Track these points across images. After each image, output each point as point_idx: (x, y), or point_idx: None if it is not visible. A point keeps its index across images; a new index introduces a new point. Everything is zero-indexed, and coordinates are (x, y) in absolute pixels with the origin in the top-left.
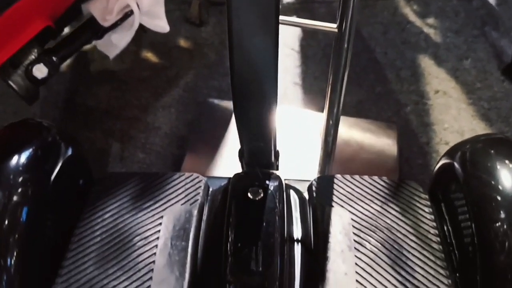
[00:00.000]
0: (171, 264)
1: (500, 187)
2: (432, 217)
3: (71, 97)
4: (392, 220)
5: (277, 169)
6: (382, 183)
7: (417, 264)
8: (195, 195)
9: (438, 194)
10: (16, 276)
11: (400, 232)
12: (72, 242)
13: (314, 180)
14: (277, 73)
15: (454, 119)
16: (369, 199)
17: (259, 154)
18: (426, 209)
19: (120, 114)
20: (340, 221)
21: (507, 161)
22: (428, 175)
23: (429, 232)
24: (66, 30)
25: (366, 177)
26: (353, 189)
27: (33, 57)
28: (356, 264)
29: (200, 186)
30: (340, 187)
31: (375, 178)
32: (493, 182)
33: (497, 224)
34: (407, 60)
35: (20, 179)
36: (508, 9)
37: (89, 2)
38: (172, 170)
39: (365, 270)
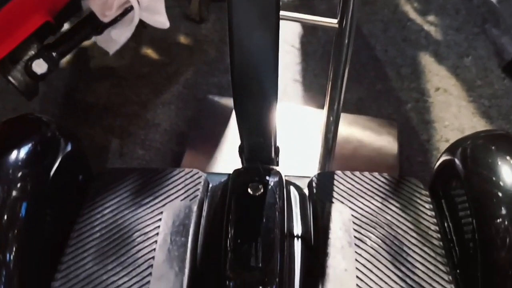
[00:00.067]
0: (170, 260)
1: (501, 183)
2: (433, 213)
3: (71, 93)
4: (393, 217)
5: (277, 165)
6: (382, 179)
7: (417, 260)
8: (195, 191)
9: (438, 190)
10: (16, 271)
11: (401, 229)
12: (71, 237)
13: (315, 176)
14: (278, 68)
15: (454, 116)
16: (369, 196)
17: (259, 149)
18: (427, 206)
19: (120, 110)
20: (340, 217)
21: (508, 157)
22: (429, 173)
23: (430, 229)
24: (66, 26)
25: (366, 173)
26: (353, 186)
27: (32, 52)
28: (356, 260)
29: (200, 182)
30: (341, 183)
31: (376, 174)
32: (494, 178)
33: (498, 220)
34: (408, 58)
35: (19, 174)
36: (509, 7)
37: None
38: (171, 167)
39: (365, 266)
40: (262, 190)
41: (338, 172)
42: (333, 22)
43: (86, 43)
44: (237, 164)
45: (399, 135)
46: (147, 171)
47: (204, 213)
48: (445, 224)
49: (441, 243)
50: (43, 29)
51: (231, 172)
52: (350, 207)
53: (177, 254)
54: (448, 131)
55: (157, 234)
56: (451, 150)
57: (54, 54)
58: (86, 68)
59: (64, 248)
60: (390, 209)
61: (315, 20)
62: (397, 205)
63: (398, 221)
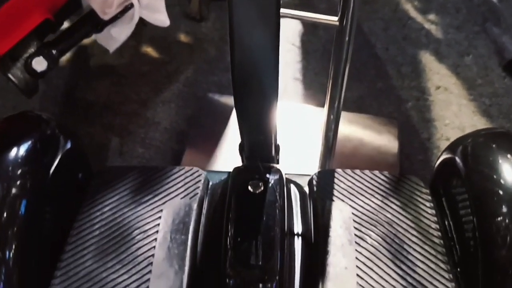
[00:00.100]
0: (170, 258)
1: (501, 181)
2: (433, 211)
3: (71, 91)
4: (393, 215)
5: (278, 163)
6: (383, 177)
7: (418, 259)
8: (195, 189)
9: (439, 188)
10: (15, 269)
11: (401, 227)
12: (71, 235)
13: (315, 174)
14: (278, 66)
15: (455, 115)
16: (370, 194)
17: (260, 148)
18: (427, 204)
19: (120, 108)
20: (341, 215)
21: (508, 155)
22: (429, 171)
23: (430, 227)
24: (66, 23)
25: (367, 171)
26: (353, 183)
27: (32, 50)
28: (356, 258)
29: (200, 180)
30: (341, 181)
31: (376, 172)
32: (495, 176)
33: (499, 219)
34: (408, 56)
35: (19, 171)
36: (510, 6)
37: None
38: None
39: (365, 265)
40: (262, 188)
41: (339, 170)
42: (333, 19)
43: (86, 41)
44: (237, 162)
45: (400, 133)
46: (147, 169)
47: (204, 211)
48: (446, 222)
49: (441, 241)
50: (43, 26)
51: (231, 170)
52: (350, 205)
53: (177, 252)
54: (449, 130)
55: (157, 232)
56: (451, 148)
57: (54, 51)
58: (86, 66)
59: (64, 246)
60: (391, 207)
61: (316, 17)
62: (398, 203)
63: (399, 219)
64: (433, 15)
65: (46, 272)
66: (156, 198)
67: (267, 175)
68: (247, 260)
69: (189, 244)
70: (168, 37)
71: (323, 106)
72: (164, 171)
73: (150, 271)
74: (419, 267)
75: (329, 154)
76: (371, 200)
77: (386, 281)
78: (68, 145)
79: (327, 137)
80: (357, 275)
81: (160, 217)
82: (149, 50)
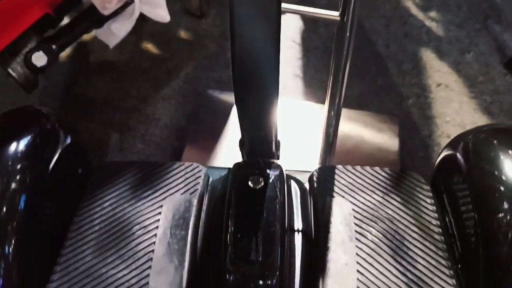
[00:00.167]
0: (170, 253)
1: (503, 177)
2: (434, 208)
3: (70, 87)
4: (394, 211)
5: (278, 159)
6: (383, 174)
7: (418, 255)
8: (195, 185)
9: (440, 185)
10: (15, 264)
11: (402, 223)
12: (70, 230)
13: (315, 170)
14: (279, 63)
15: (456, 112)
16: (370, 190)
17: (260, 143)
18: (428, 200)
19: (120, 104)
20: (341, 211)
21: (510, 151)
22: (430, 168)
23: (431, 223)
24: (66, 18)
25: (367, 167)
26: (354, 180)
27: (32, 45)
28: (357, 254)
29: (200, 176)
30: (341, 177)
31: (377, 169)
32: (496, 173)
33: (500, 215)
34: (409, 53)
35: (19, 166)
36: (511, 3)
37: None
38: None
39: (366, 261)
40: (262, 184)
41: (339, 166)
42: (334, 14)
43: (86, 37)
44: (238, 158)
45: (400, 130)
46: (147, 165)
47: (204, 207)
48: (447, 219)
49: (442, 237)
50: (42, 21)
51: (231, 166)
52: (351, 201)
53: (177, 247)
54: (450, 127)
55: (157, 227)
56: (452, 144)
57: (53, 46)
58: (86, 62)
59: (64, 241)
60: (391, 204)
61: (317, 12)
62: (398, 199)
63: (399, 215)
64: (434, 13)
65: (46, 267)
66: (156, 194)
67: (268, 171)
68: (247, 256)
69: (189, 240)
70: (168, 33)
71: (323, 103)
72: (164, 167)
73: (150, 267)
74: (419, 263)
75: (329, 151)
76: (371, 197)
77: (387, 277)
78: (68, 140)
79: (327, 134)
80: (358, 271)
81: (160, 213)
82: (149, 46)
